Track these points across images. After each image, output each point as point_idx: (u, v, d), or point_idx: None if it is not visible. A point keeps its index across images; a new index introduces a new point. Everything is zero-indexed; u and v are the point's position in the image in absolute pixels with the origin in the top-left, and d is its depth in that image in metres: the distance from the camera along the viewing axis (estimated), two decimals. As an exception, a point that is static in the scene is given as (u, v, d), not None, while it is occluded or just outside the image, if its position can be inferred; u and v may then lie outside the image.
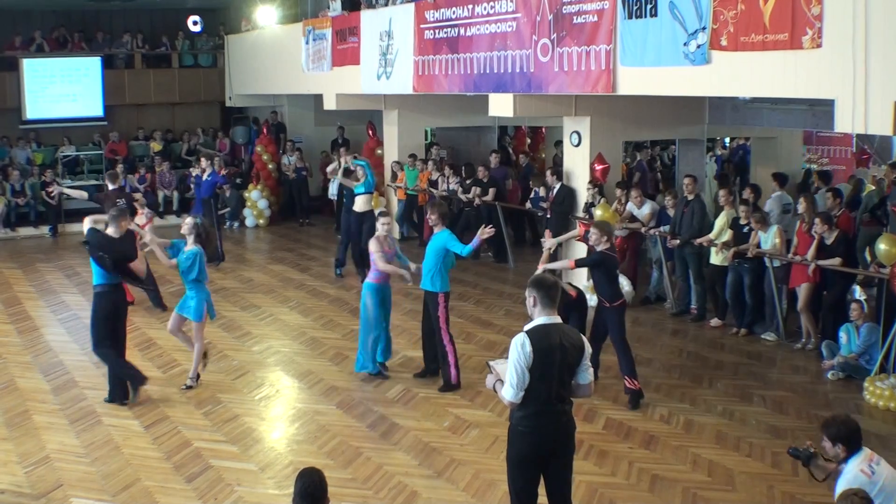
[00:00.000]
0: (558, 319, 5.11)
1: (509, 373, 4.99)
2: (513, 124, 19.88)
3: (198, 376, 8.94)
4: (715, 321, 10.99)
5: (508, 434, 5.20)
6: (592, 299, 11.59)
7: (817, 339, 9.87)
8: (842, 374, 9.08)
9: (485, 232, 8.52)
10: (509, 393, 5.00)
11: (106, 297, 8.39)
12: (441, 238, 8.63)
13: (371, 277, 9.00)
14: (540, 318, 5.06)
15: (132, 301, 11.20)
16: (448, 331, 8.70)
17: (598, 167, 12.24)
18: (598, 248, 8.45)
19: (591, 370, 5.20)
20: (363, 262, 12.90)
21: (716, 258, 10.81)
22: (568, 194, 12.79)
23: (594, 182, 12.27)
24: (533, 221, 15.56)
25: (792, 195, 12.12)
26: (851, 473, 4.74)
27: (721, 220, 10.81)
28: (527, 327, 5.06)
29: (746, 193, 11.12)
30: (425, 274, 8.67)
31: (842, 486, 4.76)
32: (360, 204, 13.05)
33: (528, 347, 4.94)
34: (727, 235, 10.66)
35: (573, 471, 5.31)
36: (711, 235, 10.81)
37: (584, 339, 5.16)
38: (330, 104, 16.85)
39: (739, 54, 8.74)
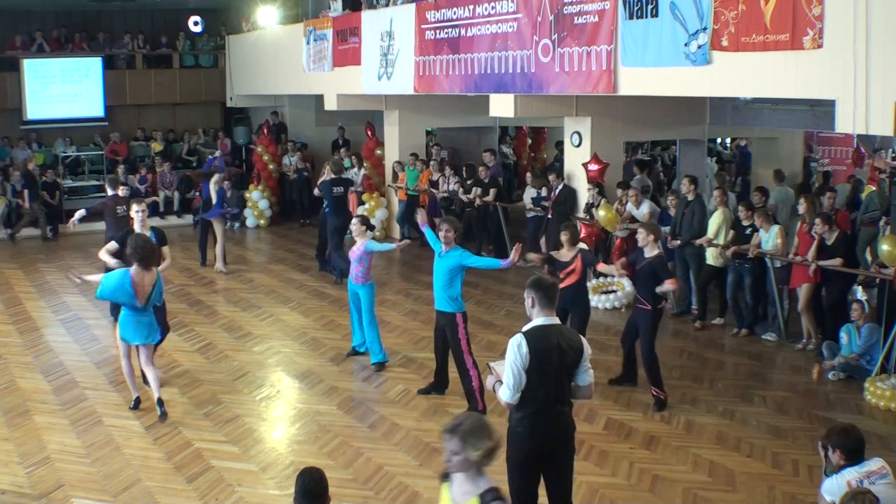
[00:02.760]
0: (557, 320, 5.11)
1: (506, 374, 4.99)
2: (514, 125, 19.90)
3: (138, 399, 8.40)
4: (717, 320, 10.99)
5: (507, 435, 5.19)
6: (595, 300, 11.67)
7: (818, 339, 9.87)
8: (842, 374, 9.08)
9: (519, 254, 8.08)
10: (506, 394, 5.00)
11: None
12: (454, 256, 8.02)
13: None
14: (538, 319, 5.06)
15: None
16: (471, 353, 8.11)
17: (593, 167, 12.23)
18: (647, 249, 8.38)
19: (591, 371, 5.19)
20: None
21: (712, 259, 10.80)
22: (570, 195, 12.80)
23: (594, 182, 12.27)
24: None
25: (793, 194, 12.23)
26: (837, 481, 4.83)
27: (717, 220, 10.78)
28: (524, 328, 5.06)
29: (756, 198, 11.10)
30: (439, 294, 8.10)
31: (824, 488, 4.90)
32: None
33: (525, 349, 4.94)
34: (728, 235, 10.64)
35: (574, 471, 5.31)
36: (709, 235, 10.80)
37: (584, 340, 5.14)
38: (331, 104, 16.85)
39: (740, 55, 8.75)
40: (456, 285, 8.06)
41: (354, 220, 9.62)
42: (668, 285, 8.23)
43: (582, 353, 5.09)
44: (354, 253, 9.39)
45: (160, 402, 8.06)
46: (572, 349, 5.05)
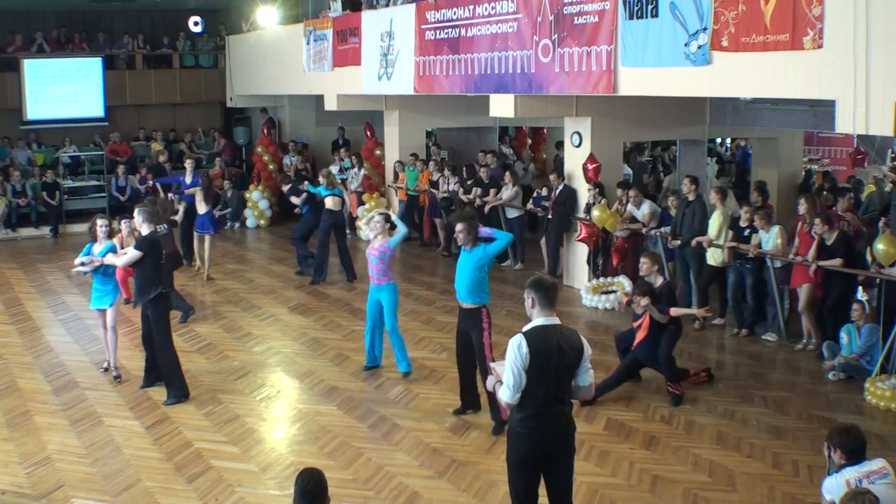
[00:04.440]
0: (557, 320, 5.10)
1: (506, 374, 4.99)
2: (514, 125, 19.89)
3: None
4: (718, 320, 10.98)
5: (507, 435, 5.21)
6: (594, 300, 11.68)
7: (818, 339, 9.87)
8: (842, 374, 9.08)
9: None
10: (506, 394, 5.00)
11: (167, 298, 8.87)
12: (477, 254, 7.60)
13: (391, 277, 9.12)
14: (538, 320, 5.06)
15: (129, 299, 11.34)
16: (493, 356, 7.54)
17: (590, 166, 12.24)
18: (649, 278, 8.60)
19: (591, 372, 5.18)
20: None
21: (712, 260, 10.79)
22: (570, 195, 12.81)
23: (593, 182, 12.26)
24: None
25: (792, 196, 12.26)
26: (837, 480, 4.86)
27: (718, 220, 10.76)
28: (524, 328, 5.06)
29: (754, 196, 11.10)
30: (466, 289, 7.63)
31: (825, 487, 4.94)
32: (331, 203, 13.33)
33: (525, 349, 4.94)
34: (727, 235, 10.63)
35: (574, 471, 5.31)
36: (710, 235, 10.79)
37: (584, 340, 5.14)
38: (331, 105, 16.86)
39: (740, 55, 8.75)
40: (485, 276, 7.64)
41: (378, 217, 9.01)
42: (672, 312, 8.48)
43: (582, 353, 5.08)
44: (375, 250, 8.91)
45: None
46: (573, 349, 5.05)
